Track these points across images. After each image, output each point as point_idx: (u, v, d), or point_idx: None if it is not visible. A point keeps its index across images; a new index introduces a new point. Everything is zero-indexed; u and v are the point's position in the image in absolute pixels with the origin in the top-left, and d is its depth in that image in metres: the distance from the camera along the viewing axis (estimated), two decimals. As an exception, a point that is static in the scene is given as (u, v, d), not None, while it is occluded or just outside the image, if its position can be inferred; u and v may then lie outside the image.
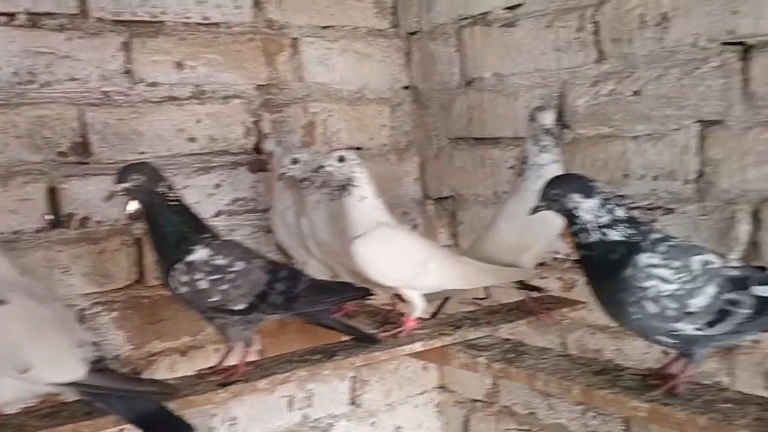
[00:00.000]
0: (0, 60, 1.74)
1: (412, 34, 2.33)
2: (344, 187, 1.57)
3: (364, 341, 1.56)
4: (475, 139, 2.20)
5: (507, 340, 1.62)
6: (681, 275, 1.19)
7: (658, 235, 1.23)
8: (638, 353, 1.82)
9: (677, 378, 1.26)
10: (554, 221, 1.67)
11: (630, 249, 1.20)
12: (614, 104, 1.80)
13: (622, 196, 1.34)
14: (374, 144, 2.34)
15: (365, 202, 1.58)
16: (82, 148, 1.86)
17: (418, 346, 1.57)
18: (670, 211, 1.73)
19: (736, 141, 1.59)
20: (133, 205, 1.94)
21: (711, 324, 1.19)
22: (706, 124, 1.64)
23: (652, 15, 1.69)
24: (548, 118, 1.63)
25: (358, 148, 2.29)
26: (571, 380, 1.36)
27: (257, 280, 1.43)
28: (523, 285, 1.76)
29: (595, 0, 1.80)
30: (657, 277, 1.18)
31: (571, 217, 1.24)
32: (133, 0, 1.90)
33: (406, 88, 2.39)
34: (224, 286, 1.39)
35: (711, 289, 1.18)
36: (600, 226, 1.22)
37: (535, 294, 1.79)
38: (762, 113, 1.55)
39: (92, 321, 1.89)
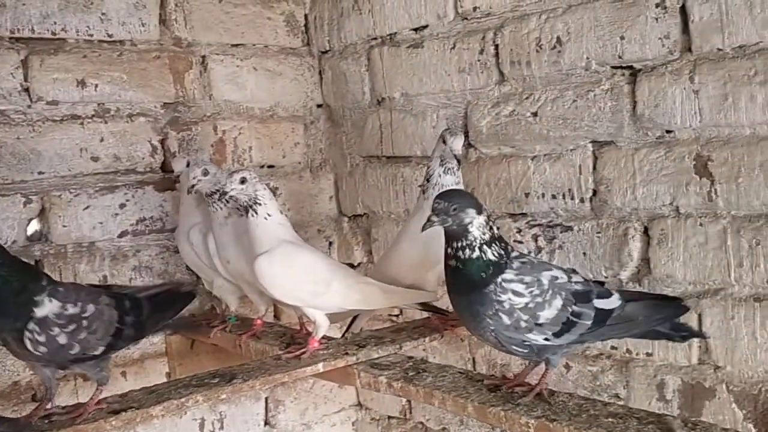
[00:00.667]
0: None
1: (324, 53, 2.35)
2: (250, 206, 1.57)
3: None
4: (387, 157, 2.22)
5: (410, 357, 1.63)
6: (532, 289, 1.27)
7: (515, 254, 1.30)
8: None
9: (540, 383, 1.33)
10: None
11: (497, 269, 1.27)
12: (515, 125, 1.84)
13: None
14: (287, 162, 2.33)
15: (270, 220, 1.58)
16: (-23, 168, 1.81)
17: (319, 367, 1.57)
18: (568, 228, 1.78)
19: (627, 161, 1.65)
20: (34, 226, 1.90)
21: (558, 334, 1.28)
22: (599, 144, 1.70)
23: (548, 39, 1.74)
24: (458, 143, 1.64)
25: (271, 166, 2.29)
26: (466, 398, 1.37)
27: (110, 319, 1.38)
28: (426, 307, 1.77)
29: (495, 23, 1.85)
30: (511, 291, 1.26)
31: (463, 232, 1.27)
32: (32, 17, 1.86)
33: (320, 106, 2.40)
34: (82, 335, 1.33)
35: (558, 302, 1.28)
36: (482, 244, 1.26)
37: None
38: (649, 134, 1.61)
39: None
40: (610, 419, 1.23)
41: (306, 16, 2.35)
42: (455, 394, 1.39)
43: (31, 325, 1.27)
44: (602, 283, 1.36)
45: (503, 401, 1.34)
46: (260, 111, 2.27)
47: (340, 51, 2.29)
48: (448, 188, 1.65)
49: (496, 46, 1.86)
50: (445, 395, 1.41)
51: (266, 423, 2.30)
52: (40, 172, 1.87)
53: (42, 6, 1.87)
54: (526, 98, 1.81)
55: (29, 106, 1.87)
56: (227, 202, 1.74)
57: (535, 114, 1.80)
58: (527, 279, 1.27)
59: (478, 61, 1.90)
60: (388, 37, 2.13)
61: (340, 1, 2.25)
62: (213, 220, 1.79)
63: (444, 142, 1.65)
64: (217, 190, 1.74)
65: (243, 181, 1.56)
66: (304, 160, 2.38)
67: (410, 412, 2.31)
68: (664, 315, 1.34)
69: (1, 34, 1.82)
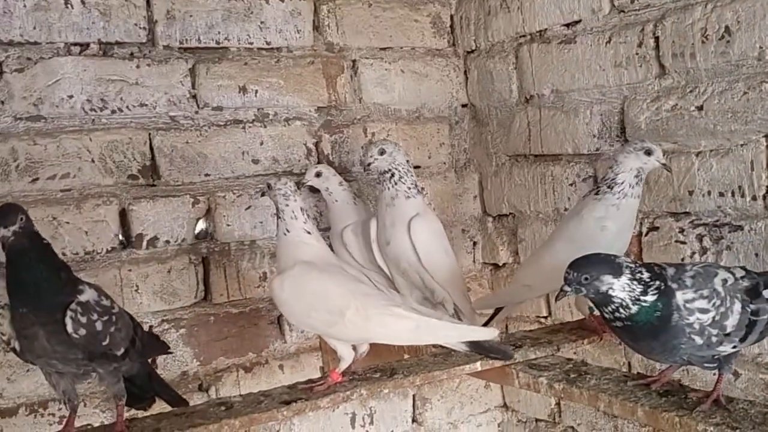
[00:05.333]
0: (74, 88, 1.83)
1: (470, 52, 2.35)
2: (277, 215, 1.52)
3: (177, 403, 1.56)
4: (535, 155, 2.19)
5: (569, 359, 1.60)
6: (714, 300, 1.21)
7: (672, 270, 1.24)
8: (706, 373, 1.77)
9: (716, 390, 1.27)
10: (618, 244, 1.64)
11: (666, 297, 1.20)
12: (677, 120, 1.77)
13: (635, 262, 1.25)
14: (433, 162, 2.35)
15: (290, 236, 1.50)
16: (152, 170, 1.93)
17: (477, 366, 1.56)
18: (738, 228, 1.68)
19: (806, 155, 1.54)
20: (201, 225, 2.02)
21: (743, 339, 1.24)
22: (774, 138, 1.60)
23: (714, 29, 1.66)
24: (661, 154, 1.59)
25: (417, 167, 2.31)
26: (635, 401, 1.33)
27: (128, 324, 1.41)
28: (477, 348, 1.49)
29: (655, 15, 1.78)
30: (697, 309, 1.21)
31: (605, 299, 1.22)
32: (198, 28, 1.97)
33: (464, 106, 2.40)
34: (112, 328, 1.34)
35: (737, 306, 1.23)
36: (636, 298, 1.21)
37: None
38: (833, 126, 1.50)
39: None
40: (795, 427, 1.16)
41: (452, 16, 2.37)
42: (623, 397, 1.35)
43: (74, 306, 1.28)
44: (745, 269, 1.30)
45: (676, 407, 1.29)
46: (407, 113, 2.30)
47: (487, 50, 2.28)
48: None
49: (656, 39, 1.78)
50: (611, 398, 1.36)
51: (414, 420, 2.33)
52: (206, 174, 1.99)
53: (207, 17, 1.98)
54: (690, 92, 1.73)
55: (196, 112, 1.98)
56: (395, 183, 1.72)
57: (700, 108, 1.71)
58: (705, 292, 1.22)
59: (636, 54, 1.83)
60: (538, 34, 2.10)
61: (488, 1, 2.24)
62: (380, 201, 1.77)
63: (648, 153, 1.57)
64: (388, 170, 1.72)
65: (269, 187, 1.54)
66: (449, 160, 2.39)
67: (559, 416, 2.26)
68: None
69: (171, 44, 1.95)
